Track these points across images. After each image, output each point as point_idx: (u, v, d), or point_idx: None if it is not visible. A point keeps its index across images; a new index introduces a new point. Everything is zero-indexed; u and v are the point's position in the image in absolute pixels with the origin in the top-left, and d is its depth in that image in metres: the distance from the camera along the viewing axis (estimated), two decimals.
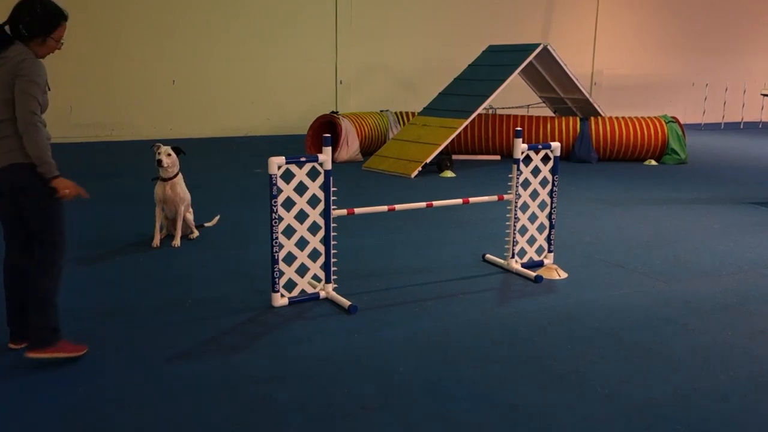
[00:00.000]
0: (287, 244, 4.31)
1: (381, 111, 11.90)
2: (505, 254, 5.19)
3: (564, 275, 5.03)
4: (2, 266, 3.58)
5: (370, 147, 10.98)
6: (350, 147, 10.51)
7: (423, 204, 4.88)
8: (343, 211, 4.48)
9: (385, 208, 4.71)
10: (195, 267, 5.15)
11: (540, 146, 5.11)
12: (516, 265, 5.11)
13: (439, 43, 15.12)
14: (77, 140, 12.25)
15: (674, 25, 18.19)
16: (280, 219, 4.24)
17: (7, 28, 3.31)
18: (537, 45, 10.31)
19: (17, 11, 3.31)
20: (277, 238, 4.23)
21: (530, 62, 10.57)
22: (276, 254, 4.24)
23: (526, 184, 5.08)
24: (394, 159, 9.71)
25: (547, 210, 5.20)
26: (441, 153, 9.47)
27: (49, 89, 3.43)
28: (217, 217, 6.42)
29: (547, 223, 5.22)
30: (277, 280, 4.29)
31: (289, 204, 4.25)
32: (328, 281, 4.49)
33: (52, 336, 3.42)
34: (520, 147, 4.98)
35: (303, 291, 4.44)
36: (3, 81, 3.26)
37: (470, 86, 10.40)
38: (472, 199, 5.07)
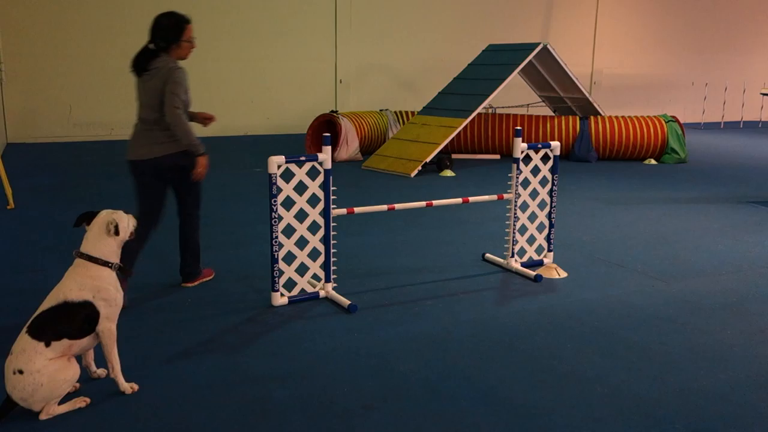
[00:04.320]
0: (287, 243, 4.31)
1: (380, 110, 11.90)
2: (505, 253, 5.19)
3: (564, 274, 5.03)
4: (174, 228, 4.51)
5: (369, 146, 10.98)
6: (350, 146, 10.51)
7: (423, 203, 4.87)
8: (343, 211, 4.48)
9: (384, 207, 4.70)
10: None
11: (540, 145, 5.11)
12: (516, 264, 5.11)
13: (439, 42, 15.12)
14: (77, 139, 12.22)
15: (674, 24, 18.19)
16: (280, 218, 4.24)
17: (152, 45, 4.18)
18: (537, 44, 10.31)
19: (152, 30, 4.20)
20: (276, 237, 4.23)
21: (530, 61, 10.57)
22: (276, 253, 4.24)
23: (525, 183, 5.08)
24: (393, 158, 9.71)
25: (547, 209, 5.20)
26: (441, 152, 9.47)
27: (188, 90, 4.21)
28: None
29: (546, 222, 5.23)
30: (276, 279, 4.28)
31: (288, 203, 4.25)
32: (327, 280, 4.49)
33: (199, 269, 4.65)
34: (520, 146, 4.99)
35: (303, 290, 4.44)
36: (156, 87, 4.16)
37: (470, 85, 10.40)
38: (471, 199, 5.07)
